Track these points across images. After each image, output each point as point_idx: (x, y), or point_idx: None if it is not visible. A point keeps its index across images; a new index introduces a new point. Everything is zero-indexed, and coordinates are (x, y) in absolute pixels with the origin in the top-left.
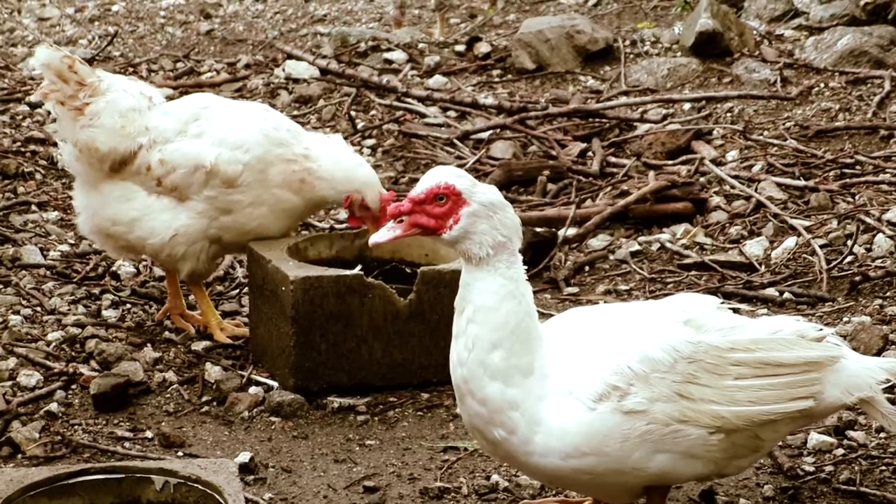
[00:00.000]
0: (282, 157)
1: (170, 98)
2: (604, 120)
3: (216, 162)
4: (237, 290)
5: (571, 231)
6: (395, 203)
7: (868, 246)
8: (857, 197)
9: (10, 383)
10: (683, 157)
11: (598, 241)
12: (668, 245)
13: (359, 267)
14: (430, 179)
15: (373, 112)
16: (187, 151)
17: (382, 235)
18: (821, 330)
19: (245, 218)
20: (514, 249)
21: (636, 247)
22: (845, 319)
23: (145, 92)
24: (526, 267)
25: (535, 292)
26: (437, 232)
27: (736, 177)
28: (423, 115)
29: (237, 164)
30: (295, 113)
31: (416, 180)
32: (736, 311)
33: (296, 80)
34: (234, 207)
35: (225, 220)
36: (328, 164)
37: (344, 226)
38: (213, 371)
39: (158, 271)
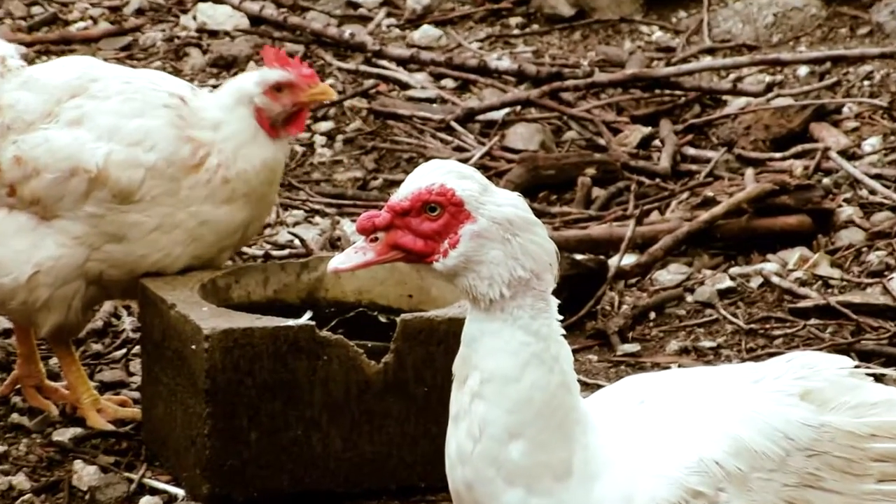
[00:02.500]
0: (205, 158)
1: (29, 61)
2: (678, 92)
3: (105, 164)
4: (123, 351)
5: (629, 259)
6: (366, 214)
7: None
8: None
9: None
10: (798, 148)
11: (670, 275)
12: (776, 280)
13: (308, 314)
14: (419, 180)
15: (330, 81)
16: (59, 146)
17: (346, 260)
18: None
19: (146, 247)
20: (543, 289)
21: (727, 282)
22: None
23: None
24: (561, 316)
25: (575, 352)
26: (427, 259)
27: (877, 177)
28: (404, 86)
29: (137, 167)
30: (212, 82)
31: (396, 184)
32: (878, 378)
33: (213, 34)
34: (128, 232)
35: (113, 249)
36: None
37: (286, 252)
38: (85, 473)
39: (3, 322)
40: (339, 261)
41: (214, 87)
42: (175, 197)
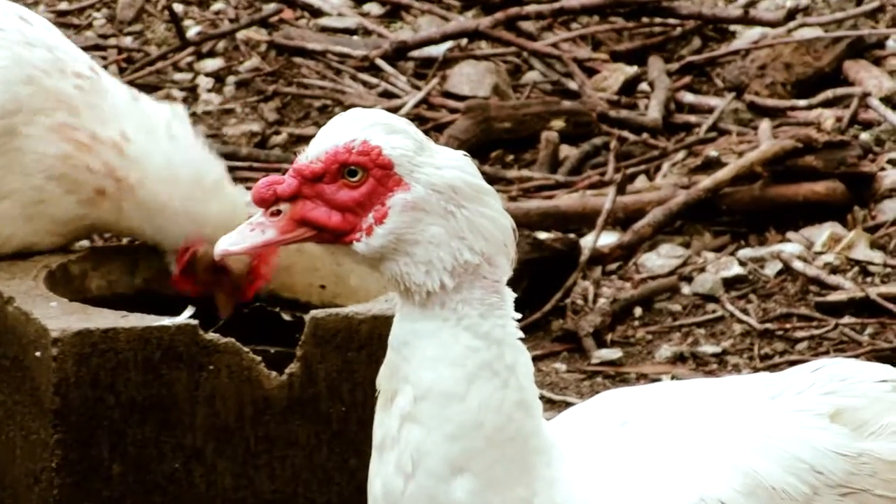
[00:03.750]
0: (53, 115)
1: None
2: (671, 21)
3: None
4: None
5: (608, 239)
6: (265, 180)
7: None
8: None
9: None
10: (828, 94)
11: (661, 259)
12: (799, 266)
13: (189, 310)
14: (334, 135)
15: (218, 5)
16: None
17: (238, 240)
18: None
19: None
20: (496, 278)
21: (735, 269)
22: None
23: None
24: (520, 314)
25: (536, 360)
26: (346, 238)
27: None
28: (316, 12)
29: None
30: (63, 7)
31: (305, 140)
32: None
33: None
34: None
35: None
36: (156, 166)
37: None
38: None
39: None
40: (228, 241)
41: (66, 15)
42: (7, 157)
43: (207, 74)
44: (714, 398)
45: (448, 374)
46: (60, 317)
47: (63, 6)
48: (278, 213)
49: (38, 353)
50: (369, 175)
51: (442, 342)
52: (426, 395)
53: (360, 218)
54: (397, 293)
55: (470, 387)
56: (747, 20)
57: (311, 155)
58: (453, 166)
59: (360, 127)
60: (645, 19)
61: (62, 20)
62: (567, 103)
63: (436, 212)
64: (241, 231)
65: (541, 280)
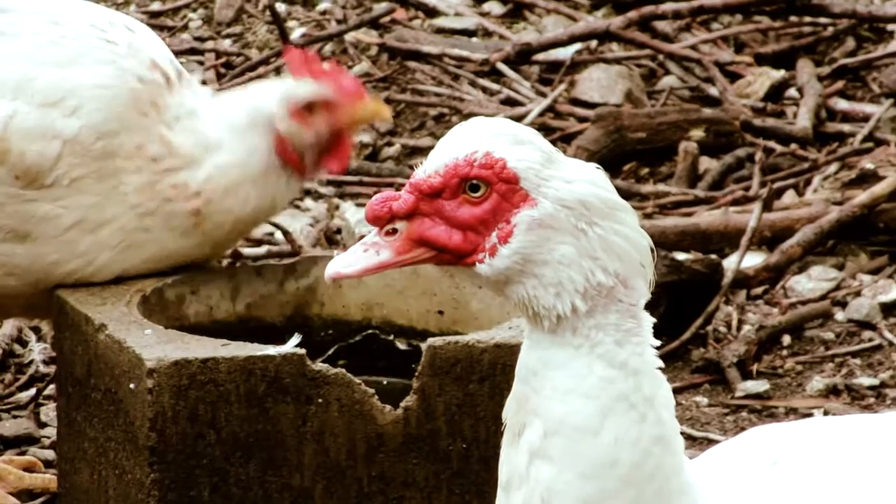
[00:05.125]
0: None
1: None
2: (822, 20)
3: (6, 132)
4: (31, 392)
5: (753, 260)
6: (380, 196)
7: None
8: None
9: None
10: None
11: (812, 282)
12: None
13: (296, 338)
14: (454, 147)
15: (325, 4)
16: None
17: (352, 262)
18: None
19: (59, 251)
20: (633, 302)
21: (895, 292)
22: None
23: None
24: (658, 341)
25: (676, 392)
26: (467, 259)
27: None
28: (431, 12)
29: (52, 137)
30: (156, 7)
31: (420, 153)
32: None
33: None
34: (35, 228)
35: (13, 252)
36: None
37: (263, 251)
38: None
39: None
40: (341, 263)
41: (159, 17)
42: (107, 183)
43: None
44: (874, 436)
45: (581, 406)
46: (156, 345)
47: (156, 6)
48: (394, 231)
49: (132, 386)
50: (492, 190)
51: (574, 372)
52: (557, 430)
53: (482, 237)
54: (525, 318)
55: (605, 421)
56: None
57: (429, 168)
58: (584, 180)
59: (482, 137)
60: (793, 18)
61: (155, 21)
62: (707, 111)
63: (565, 230)
64: (354, 252)
65: (679, 305)
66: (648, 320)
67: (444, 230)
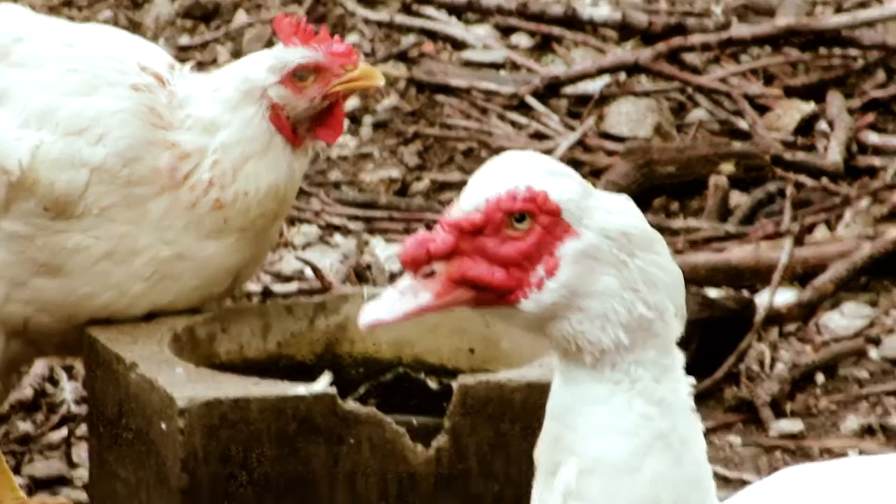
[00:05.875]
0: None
1: None
2: (853, 52)
3: (33, 161)
4: (63, 432)
5: (785, 297)
6: (416, 238)
7: None
8: None
9: None
10: None
11: (845, 319)
12: None
13: (327, 377)
14: (493, 181)
15: (353, 37)
16: None
17: (389, 309)
18: None
19: (91, 283)
20: (670, 338)
21: None
22: None
23: None
24: (692, 379)
25: (708, 431)
26: (510, 296)
27: None
28: (459, 45)
29: (80, 167)
30: (185, 41)
31: (448, 187)
32: None
33: None
34: (66, 261)
35: (45, 285)
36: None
37: (293, 288)
38: None
39: None
40: (379, 310)
41: (187, 50)
42: (135, 211)
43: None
44: None
45: (620, 444)
46: (187, 384)
47: (185, 40)
48: (431, 273)
49: (163, 425)
50: (536, 223)
51: (614, 409)
52: (594, 469)
53: (526, 272)
54: (560, 355)
55: (644, 459)
56: None
57: (468, 206)
58: (623, 211)
59: (518, 172)
60: (823, 50)
61: (184, 55)
62: (737, 145)
63: (608, 261)
64: (390, 298)
65: (711, 343)
66: (681, 358)
67: (485, 268)
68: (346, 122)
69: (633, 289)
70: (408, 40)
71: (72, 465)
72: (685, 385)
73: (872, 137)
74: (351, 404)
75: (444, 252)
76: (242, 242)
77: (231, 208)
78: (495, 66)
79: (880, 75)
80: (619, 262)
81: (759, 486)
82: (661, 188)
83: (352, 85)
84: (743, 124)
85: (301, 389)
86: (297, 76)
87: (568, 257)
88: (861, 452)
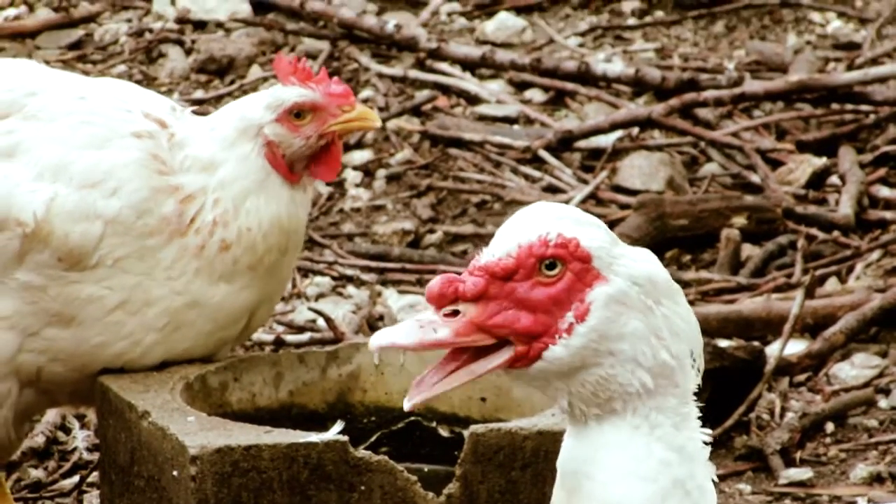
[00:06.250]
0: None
1: None
2: (864, 108)
3: (47, 213)
4: (75, 479)
5: (796, 347)
6: (445, 277)
7: None
8: None
9: None
10: None
11: (855, 370)
12: None
13: (339, 425)
14: (526, 228)
15: (367, 92)
16: None
17: (404, 336)
18: None
19: (105, 333)
20: (689, 386)
21: None
22: None
23: None
24: (709, 430)
25: (719, 479)
26: (536, 342)
27: None
28: (473, 99)
29: (93, 219)
30: (199, 95)
31: (461, 239)
32: None
33: (199, 25)
34: (80, 311)
35: (58, 335)
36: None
37: (306, 338)
38: None
39: None
40: (394, 334)
41: (202, 104)
42: (148, 262)
43: (356, 168)
44: None
45: (640, 489)
46: (199, 433)
47: (199, 94)
48: (454, 313)
49: (175, 473)
50: (567, 269)
51: (633, 454)
52: None
53: (554, 318)
54: (572, 410)
55: None
56: None
57: (499, 251)
58: (648, 260)
59: (549, 220)
60: (835, 106)
61: (199, 109)
62: (749, 198)
63: (636, 306)
64: (408, 326)
65: (722, 392)
66: (697, 409)
67: (511, 314)
68: (359, 176)
69: (657, 336)
70: (422, 95)
71: None
72: (702, 435)
73: (884, 191)
74: (362, 452)
75: (474, 294)
76: (254, 282)
77: (238, 247)
78: (509, 121)
79: (892, 130)
80: (646, 307)
81: None
82: (674, 241)
83: (348, 125)
84: (755, 178)
85: (313, 437)
86: (293, 115)
87: (599, 302)
88: (870, 500)
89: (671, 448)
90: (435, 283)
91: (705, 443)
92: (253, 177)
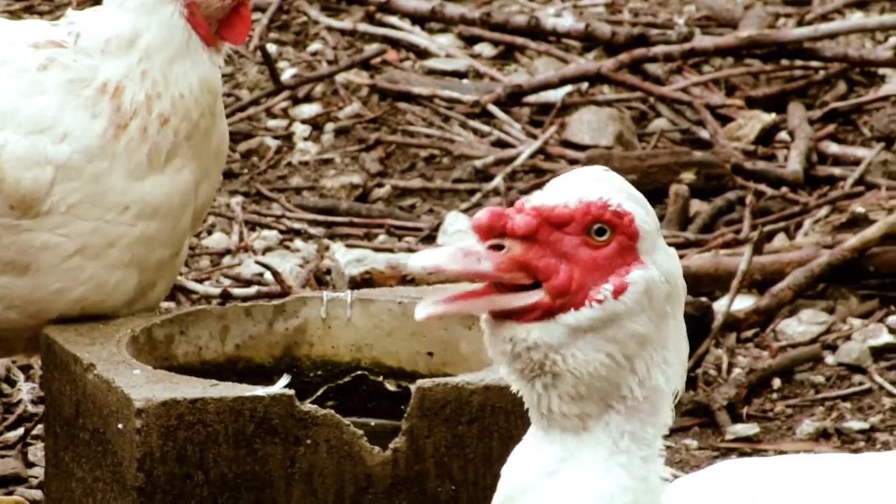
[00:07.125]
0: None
1: None
2: (814, 64)
3: None
4: (19, 431)
5: (744, 303)
6: (494, 209)
7: None
8: None
9: None
10: None
11: (802, 326)
12: None
13: (285, 378)
14: (587, 187)
15: (315, 45)
16: None
17: (449, 260)
18: None
19: (64, 279)
20: (664, 421)
21: (885, 337)
22: None
23: None
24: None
25: (671, 432)
26: (565, 302)
27: None
28: (423, 53)
29: (45, 164)
30: None
31: (410, 193)
32: None
33: None
34: (35, 259)
35: (13, 283)
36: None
37: (252, 291)
38: None
39: None
40: (438, 257)
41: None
42: (102, 205)
43: (304, 121)
44: (859, 477)
45: None
46: (144, 385)
47: None
48: (498, 248)
49: (120, 426)
50: (614, 240)
51: (596, 473)
52: None
53: (586, 282)
54: (546, 412)
55: None
56: None
57: (557, 199)
58: (676, 258)
59: (605, 187)
60: (784, 62)
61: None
62: (698, 154)
63: (655, 307)
64: (453, 252)
65: None
66: (661, 443)
67: (553, 262)
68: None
69: (663, 346)
70: (371, 48)
71: (28, 464)
72: (664, 472)
73: (832, 147)
74: (308, 406)
75: (524, 232)
76: (192, 158)
77: (175, 116)
78: (458, 75)
79: (841, 87)
80: (663, 312)
81: (696, 478)
82: None
83: None
84: (704, 134)
85: (259, 391)
86: None
87: (639, 284)
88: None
89: (633, 477)
90: (484, 213)
91: (664, 478)
92: (177, 41)
